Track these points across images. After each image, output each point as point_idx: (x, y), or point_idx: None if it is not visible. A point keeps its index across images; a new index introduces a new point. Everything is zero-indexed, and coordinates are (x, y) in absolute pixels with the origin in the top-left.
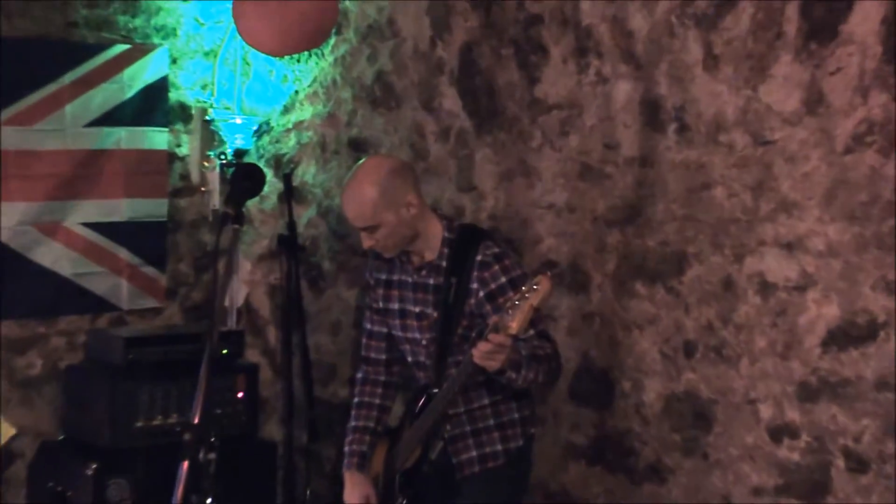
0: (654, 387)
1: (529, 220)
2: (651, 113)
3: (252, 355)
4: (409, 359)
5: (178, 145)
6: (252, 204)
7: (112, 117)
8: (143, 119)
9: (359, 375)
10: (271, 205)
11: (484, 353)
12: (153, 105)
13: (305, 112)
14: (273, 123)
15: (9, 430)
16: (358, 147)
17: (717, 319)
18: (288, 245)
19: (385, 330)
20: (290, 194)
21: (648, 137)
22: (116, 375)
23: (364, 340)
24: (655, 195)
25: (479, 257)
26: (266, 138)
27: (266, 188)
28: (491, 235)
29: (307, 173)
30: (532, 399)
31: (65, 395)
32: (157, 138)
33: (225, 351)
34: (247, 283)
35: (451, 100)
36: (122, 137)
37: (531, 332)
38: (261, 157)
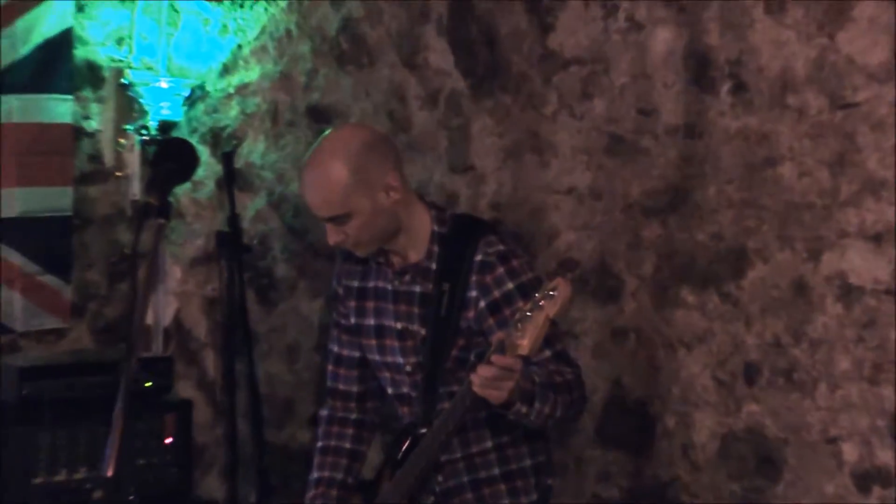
0: (707, 423)
1: (543, 208)
2: (699, 69)
3: (184, 389)
4: (390, 390)
5: (87, 117)
6: (183, 192)
7: (0, 82)
8: (40, 84)
9: (323, 413)
10: (208, 193)
11: (486, 381)
12: (53, 66)
13: (251, 72)
14: (209, 88)
15: None
16: (320, 117)
17: (787, 334)
18: (229, 245)
19: (357, 354)
20: (232, 179)
21: (695, 100)
22: (8, 417)
23: (330, 368)
24: (705, 175)
25: (478, 257)
26: (200, 107)
27: (201, 171)
28: (494, 229)
29: (254, 152)
30: (548, 441)
31: None
32: (59, 109)
33: (148, 384)
34: (176, 296)
35: (439, 54)
36: (12, 108)
37: (546, 353)
38: (193, 131)
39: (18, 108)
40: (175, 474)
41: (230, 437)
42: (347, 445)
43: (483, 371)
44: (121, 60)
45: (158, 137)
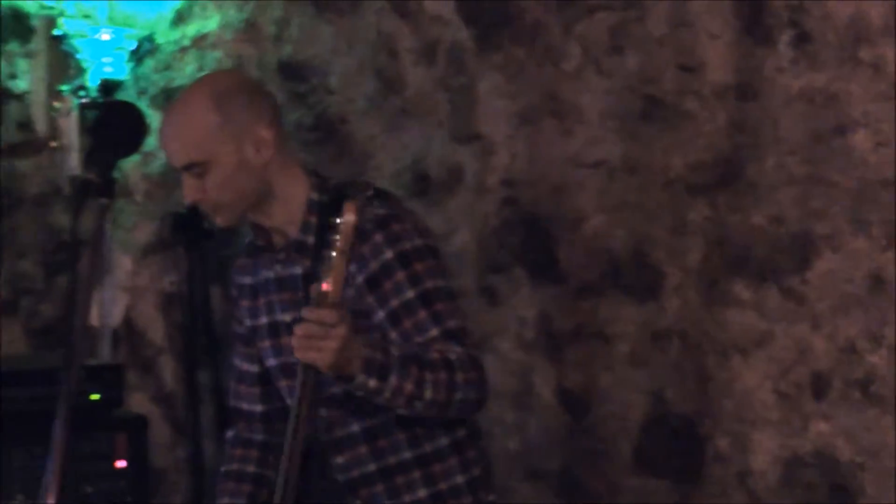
0: (767, 445)
1: (566, 186)
2: (752, 15)
3: (138, 403)
4: (290, 401)
5: (13, 76)
6: (131, 166)
7: None
8: None
9: (227, 434)
10: (160, 167)
11: (301, 342)
12: None
13: (210, 21)
14: (159, 40)
15: None
16: (293, 74)
17: (863, 338)
18: (188, 230)
19: (257, 368)
20: None
21: (748, 54)
22: None
23: (232, 385)
24: (762, 144)
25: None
26: (149, 63)
27: (151, 141)
28: (384, 194)
29: None
30: (482, 450)
31: None
32: None
33: (95, 396)
34: (126, 291)
35: None
36: None
37: (433, 331)
38: (142, 92)
39: None
40: (129, 503)
41: (194, 460)
42: (251, 469)
43: (299, 330)
44: (52, 8)
45: (100, 100)
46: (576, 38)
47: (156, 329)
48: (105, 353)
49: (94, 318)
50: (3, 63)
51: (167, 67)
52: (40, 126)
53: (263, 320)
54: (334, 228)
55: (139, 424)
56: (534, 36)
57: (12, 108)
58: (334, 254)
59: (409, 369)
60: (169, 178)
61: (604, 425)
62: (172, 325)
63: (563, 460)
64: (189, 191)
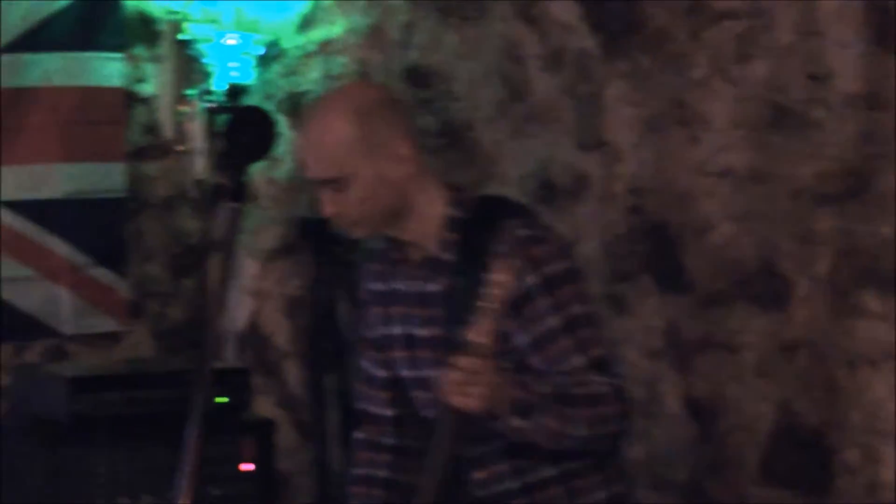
0: None
1: (692, 194)
2: (882, 24)
3: (264, 406)
4: (423, 412)
5: (141, 80)
6: (256, 171)
7: (37, 38)
8: (85, 40)
9: (356, 437)
10: (287, 172)
11: (451, 387)
12: (100, 18)
13: (335, 26)
14: (286, 45)
15: None
16: (418, 80)
17: None
18: (315, 235)
19: (388, 373)
20: None
21: (878, 63)
22: (56, 436)
23: (359, 387)
24: (890, 155)
25: (496, 246)
26: (275, 68)
27: (280, 146)
28: (525, 210)
29: None
30: (623, 469)
31: None
32: (108, 69)
33: (222, 399)
34: (252, 295)
35: (563, 5)
36: (53, 69)
37: (579, 360)
38: (268, 96)
39: (59, 68)
40: None
41: (319, 464)
42: (381, 474)
43: (448, 376)
44: (178, 13)
45: (227, 104)
46: (703, 46)
47: (281, 333)
48: (231, 357)
49: (222, 322)
50: (131, 67)
51: (293, 72)
52: (167, 130)
53: (397, 330)
54: (488, 282)
55: (266, 428)
56: (660, 43)
57: (139, 112)
58: (487, 305)
59: (554, 407)
60: (295, 183)
61: (730, 436)
62: (297, 329)
63: (690, 470)
64: (327, 205)
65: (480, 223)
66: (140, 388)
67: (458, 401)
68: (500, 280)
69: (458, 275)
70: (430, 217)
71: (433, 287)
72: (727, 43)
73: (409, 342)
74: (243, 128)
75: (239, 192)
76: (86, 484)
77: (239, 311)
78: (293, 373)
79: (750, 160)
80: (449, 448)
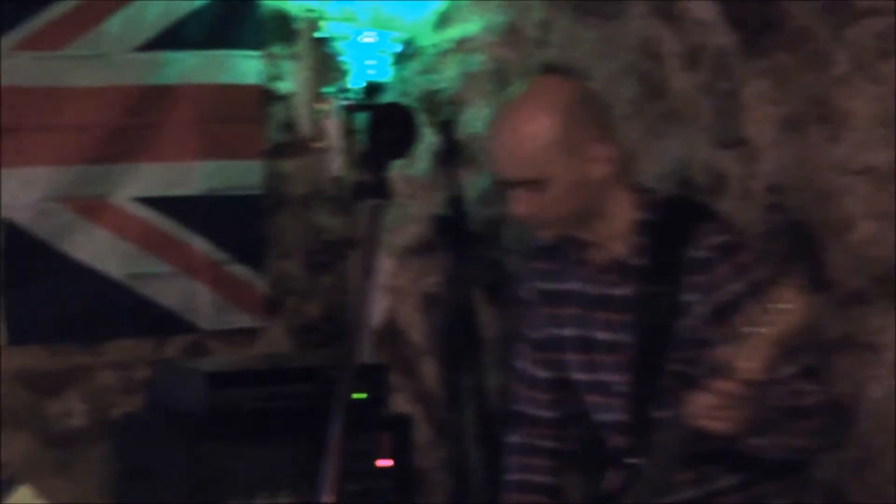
0: None
1: (833, 192)
2: None
3: (401, 403)
4: (596, 416)
5: (278, 78)
6: (392, 168)
7: (176, 36)
8: (222, 38)
9: (511, 441)
10: (422, 169)
11: (704, 410)
12: (237, 16)
13: (472, 24)
14: (422, 43)
15: None
16: None
17: None
18: (452, 232)
19: (550, 373)
20: (454, 153)
21: None
22: (195, 430)
23: (519, 389)
24: None
25: (695, 251)
26: (412, 66)
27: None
28: (715, 214)
29: (477, 120)
30: (809, 477)
31: (118, 457)
32: (246, 68)
33: (360, 395)
34: (389, 292)
35: (701, 3)
36: (191, 67)
37: (790, 369)
38: (404, 95)
39: (197, 66)
40: (392, 502)
41: (456, 462)
42: (538, 479)
43: (701, 399)
44: (316, 11)
45: (364, 102)
46: (844, 44)
47: (417, 330)
48: (368, 353)
49: (353, 318)
50: (268, 65)
51: (429, 70)
52: (304, 127)
53: (570, 332)
54: (777, 311)
55: (403, 424)
56: (801, 41)
57: (277, 110)
58: (760, 331)
59: (785, 422)
60: (431, 180)
61: (871, 436)
62: (433, 326)
63: (829, 470)
64: (519, 205)
65: (671, 227)
66: (277, 383)
67: (708, 424)
68: (785, 308)
69: (649, 280)
70: (618, 219)
71: (621, 291)
72: (868, 41)
73: (586, 345)
74: (385, 125)
75: (381, 189)
76: (224, 479)
77: (377, 309)
78: (429, 370)
79: (891, 158)
80: (672, 462)
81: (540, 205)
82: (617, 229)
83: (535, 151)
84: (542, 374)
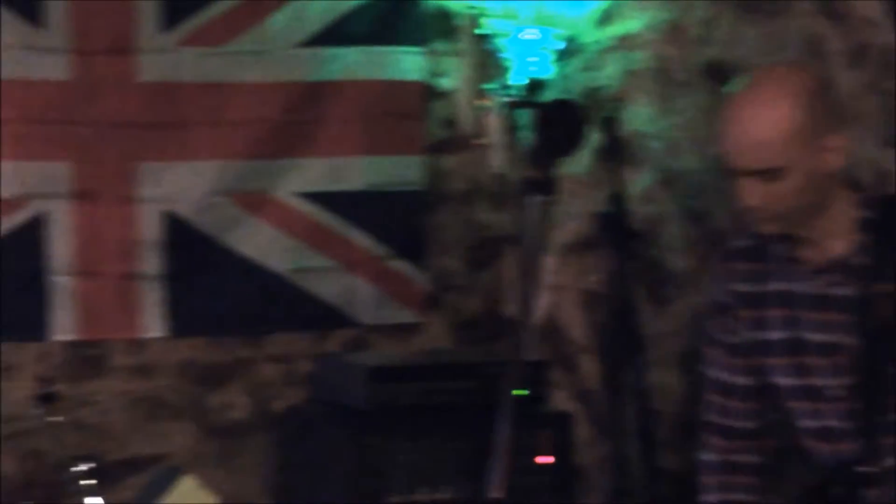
0: None
1: None
2: None
3: (561, 400)
4: (801, 422)
5: (439, 75)
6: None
7: (339, 33)
8: (385, 35)
9: (706, 458)
10: (584, 166)
11: None
12: (400, 13)
13: (635, 21)
14: (584, 40)
15: (207, 501)
16: (719, 75)
17: None
18: (614, 230)
19: (751, 380)
20: (616, 150)
21: None
22: (357, 424)
23: (714, 399)
24: None
25: None
26: (574, 63)
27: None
28: None
29: (639, 118)
30: None
31: (280, 450)
32: (408, 64)
33: (522, 392)
34: (550, 289)
35: (867, 2)
36: (354, 63)
37: None
38: (565, 92)
39: (360, 62)
40: (551, 499)
41: (615, 460)
42: (739, 498)
43: None
44: (479, 7)
45: (526, 99)
46: None
47: (577, 327)
48: (529, 350)
49: (517, 314)
50: (430, 62)
51: (591, 67)
52: (465, 124)
53: (777, 335)
54: None
55: (563, 421)
56: None
57: (438, 106)
58: None
59: None
60: (592, 178)
61: None
62: (594, 324)
63: None
64: (752, 196)
65: (891, 225)
66: (438, 379)
67: None
68: None
69: (873, 280)
70: (839, 215)
71: (841, 291)
72: None
73: (795, 348)
74: (553, 122)
75: (548, 186)
76: (384, 473)
77: (538, 305)
78: (589, 367)
79: None
80: None
81: (774, 196)
82: (837, 227)
83: (776, 139)
84: (741, 380)
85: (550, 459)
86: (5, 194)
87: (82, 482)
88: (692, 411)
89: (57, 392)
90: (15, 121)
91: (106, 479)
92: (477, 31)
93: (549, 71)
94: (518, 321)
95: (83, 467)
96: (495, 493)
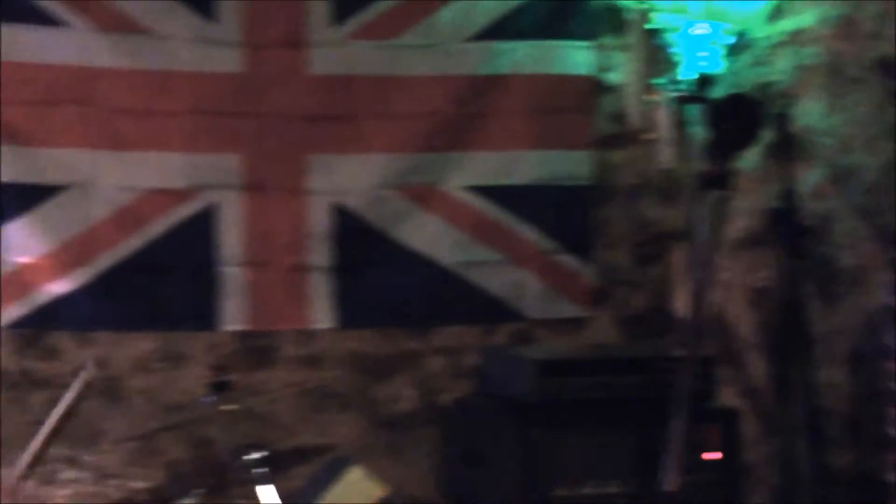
0: None
1: None
2: None
3: (727, 396)
4: None
5: (607, 69)
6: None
7: (507, 27)
8: (554, 29)
9: None
10: (753, 162)
11: None
12: (569, 7)
13: (806, 16)
14: (754, 35)
15: (375, 491)
16: (891, 71)
17: None
18: (784, 226)
19: None
20: (788, 146)
21: None
22: (524, 417)
23: None
24: None
25: None
26: (744, 58)
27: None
28: None
29: (810, 114)
30: None
31: (447, 443)
32: (576, 58)
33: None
34: (717, 285)
35: None
36: (522, 57)
37: None
38: (735, 87)
39: (528, 56)
40: (718, 496)
41: (783, 457)
42: None
43: None
44: (646, 3)
45: (695, 94)
46: None
47: (745, 324)
48: (697, 346)
49: (684, 310)
50: (599, 56)
51: (761, 63)
52: (634, 118)
53: None
54: None
55: (730, 417)
56: None
57: (606, 101)
58: None
59: None
60: (762, 173)
61: None
62: (762, 321)
63: None
64: None
65: None
66: (605, 373)
67: None
68: None
69: None
70: None
71: None
72: None
73: None
74: (730, 116)
75: (724, 181)
76: (552, 466)
77: (707, 301)
78: (757, 364)
79: None
80: None
81: None
82: None
83: None
84: None
85: (718, 455)
86: (177, 185)
87: (255, 470)
88: (861, 411)
89: (230, 381)
90: (187, 113)
91: (274, 467)
92: (646, 26)
93: (719, 66)
94: (686, 317)
95: (256, 455)
96: (669, 486)
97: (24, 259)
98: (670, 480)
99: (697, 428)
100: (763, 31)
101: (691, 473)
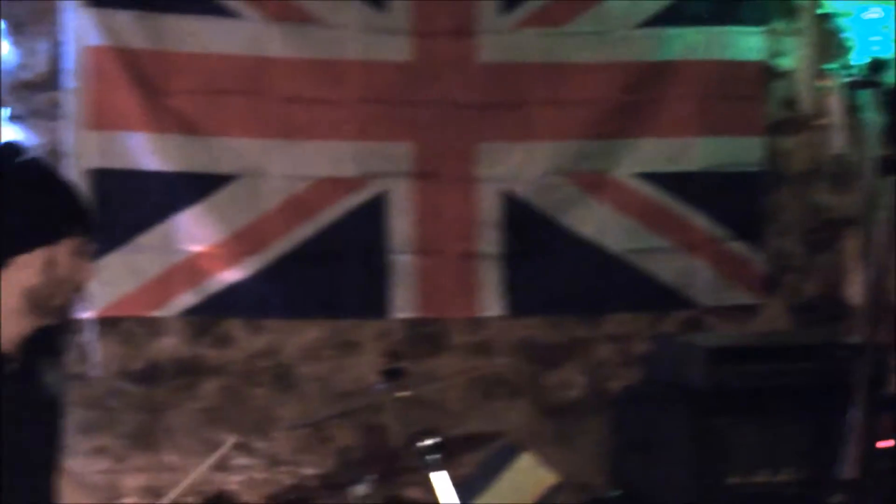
0: None
1: None
2: None
3: None
4: None
5: (779, 55)
6: None
7: (678, 13)
8: (724, 15)
9: None
10: None
11: None
12: None
13: None
14: None
15: (546, 479)
16: None
17: None
18: None
19: None
20: None
21: None
22: (695, 405)
23: None
24: None
25: None
26: None
27: None
28: None
29: None
30: None
31: (617, 430)
32: (748, 44)
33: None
34: (891, 272)
35: None
36: (693, 43)
37: None
38: None
39: (699, 42)
40: (893, 484)
41: None
42: None
43: None
44: None
45: (868, 78)
46: None
47: None
48: (863, 332)
49: (854, 296)
50: (770, 41)
51: None
52: (806, 104)
53: None
54: None
55: None
56: None
57: (778, 87)
58: None
59: None
60: None
61: None
62: None
63: None
64: None
65: None
66: (777, 360)
67: None
68: None
69: None
70: None
71: None
72: None
73: None
74: None
75: None
76: (725, 453)
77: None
78: None
79: None
80: None
81: None
82: None
83: None
84: None
85: (891, 443)
86: (347, 174)
87: (428, 457)
88: None
89: (404, 368)
90: (357, 101)
91: (445, 454)
92: (818, 11)
93: (892, 50)
94: (860, 304)
95: (429, 442)
96: (848, 474)
97: (196, 247)
98: (848, 469)
99: (871, 416)
100: None
101: (865, 461)
